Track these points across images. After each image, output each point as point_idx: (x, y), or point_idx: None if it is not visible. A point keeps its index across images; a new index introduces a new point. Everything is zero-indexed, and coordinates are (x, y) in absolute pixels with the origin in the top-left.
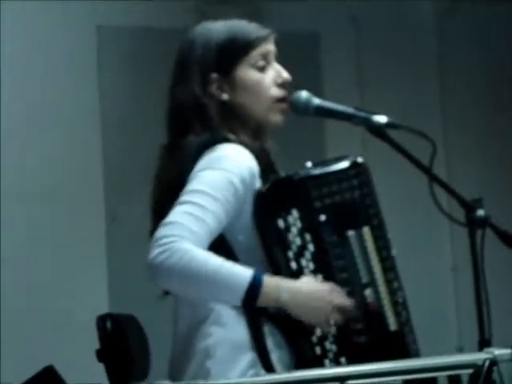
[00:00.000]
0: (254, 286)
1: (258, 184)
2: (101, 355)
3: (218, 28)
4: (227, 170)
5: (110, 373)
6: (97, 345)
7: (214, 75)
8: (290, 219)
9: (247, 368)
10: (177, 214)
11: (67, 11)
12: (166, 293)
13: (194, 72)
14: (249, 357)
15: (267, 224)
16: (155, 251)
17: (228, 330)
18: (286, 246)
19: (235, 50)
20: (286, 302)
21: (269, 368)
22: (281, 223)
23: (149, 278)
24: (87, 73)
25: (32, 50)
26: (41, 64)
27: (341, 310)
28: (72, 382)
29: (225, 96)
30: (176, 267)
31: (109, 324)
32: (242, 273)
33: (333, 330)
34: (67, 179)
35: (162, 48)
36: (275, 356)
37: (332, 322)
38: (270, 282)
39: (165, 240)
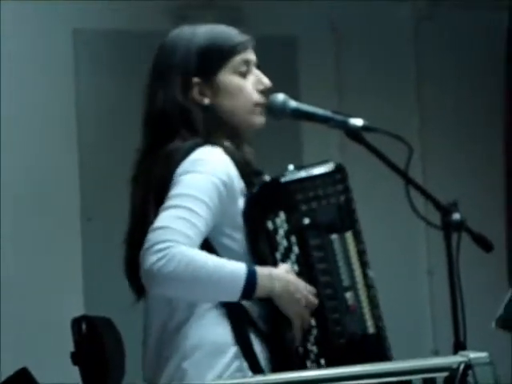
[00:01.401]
0: (250, 280)
1: (236, 186)
2: (76, 358)
3: (199, 32)
4: (209, 173)
5: (85, 376)
6: (71, 347)
7: (196, 79)
8: (278, 221)
9: (224, 370)
10: (166, 218)
11: (43, 14)
12: (138, 297)
13: (174, 76)
14: (227, 358)
15: (257, 225)
16: (152, 258)
17: (206, 332)
18: (275, 247)
19: (217, 55)
20: (279, 292)
21: (253, 364)
22: (270, 225)
23: (147, 286)
24: (63, 76)
25: (7, 53)
26: (16, 67)
27: (308, 306)
28: None
29: (206, 100)
30: (175, 273)
31: (84, 326)
32: (237, 269)
33: (301, 324)
34: (43, 179)
35: (139, 51)
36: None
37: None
38: (263, 272)
39: (160, 246)
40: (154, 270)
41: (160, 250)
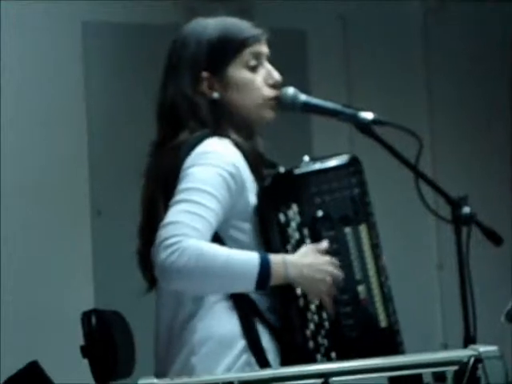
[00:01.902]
0: (264, 269)
1: (245, 178)
2: (85, 351)
3: (211, 26)
4: (216, 165)
5: (95, 369)
6: (81, 341)
7: (205, 74)
8: (291, 213)
9: (232, 364)
10: (176, 213)
11: (52, 7)
12: (151, 287)
13: (184, 70)
14: (235, 352)
15: (270, 218)
16: (163, 254)
17: (213, 326)
18: (286, 239)
19: (227, 49)
20: (294, 277)
21: (261, 358)
22: (282, 217)
23: (161, 282)
24: (73, 69)
25: (17, 47)
26: (26, 60)
27: (335, 281)
28: (56, 377)
29: (215, 95)
30: (187, 266)
31: (94, 320)
32: (251, 259)
33: (330, 303)
34: (53, 174)
35: (148, 44)
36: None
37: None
38: (277, 260)
39: (171, 240)
40: (166, 265)
41: (170, 245)
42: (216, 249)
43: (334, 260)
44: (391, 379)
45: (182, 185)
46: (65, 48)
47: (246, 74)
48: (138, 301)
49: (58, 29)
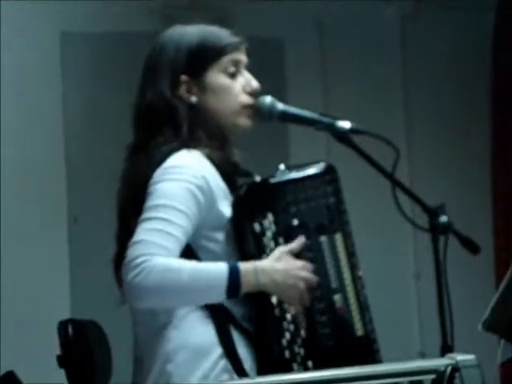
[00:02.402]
0: (234, 277)
1: (215, 188)
2: (62, 361)
3: (190, 32)
4: (183, 179)
5: (72, 379)
6: (58, 350)
7: (184, 77)
8: (266, 223)
9: (209, 371)
10: (144, 231)
11: (30, 17)
12: (126, 299)
13: (163, 73)
14: (212, 359)
15: (244, 227)
16: (131, 273)
17: (188, 334)
18: (261, 249)
19: (206, 55)
20: (265, 284)
21: (237, 365)
22: (257, 227)
23: (131, 301)
24: (50, 78)
25: None
26: (4, 69)
27: (309, 286)
28: None
29: (193, 99)
30: (155, 285)
31: (70, 329)
32: (219, 269)
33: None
34: (30, 181)
35: (126, 53)
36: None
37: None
38: (247, 267)
39: (138, 260)
40: (134, 284)
41: (137, 265)
42: (182, 263)
43: (308, 264)
44: None
45: (150, 201)
46: (43, 58)
47: (224, 80)
48: (114, 310)
49: (36, 38)
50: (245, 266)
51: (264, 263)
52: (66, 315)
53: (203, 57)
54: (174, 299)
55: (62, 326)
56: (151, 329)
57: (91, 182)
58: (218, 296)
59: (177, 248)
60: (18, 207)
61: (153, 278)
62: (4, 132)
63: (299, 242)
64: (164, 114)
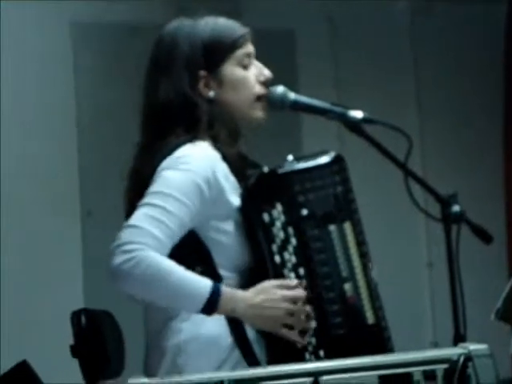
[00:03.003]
0: (213, 298)
1: (223, 181)
2: (75, 351)
3: (203, 25)
4: (190, 170)
5: (85, 368)
6: (71, 340)
7: (202, 72)
8: (275, 213)
9: (221, 362)
10: (140, 216)
11: (40, 8)
12: None
13: (181, 69)
14: (222, 350)
15: (254, 218)
16: (120, 258)
17: (198, 325)
18: (271, 239)
19: (222, 48)
20: (241, 314)
21: (250, 356)
22: (266, 217)
23: (113, 283)
24: (62, 70)
25: (6, 49)
26: (15, 62)
27: (296, 314)
28: (46, 377)
29: (211, 93)
30: (141, 277)
31: (83, 319)
32: (203, 284)
33: (294, 335)
34: (43, 174)
35: (137, 45)
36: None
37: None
38: (228, 294)
39: (129, 247)
40: (120, 270)
41: (128, 251)
42: (172, 267)
43: (295, 293)
44: (381, 377)
45: (153, 187)
46: (53, 49)
47: (240, 72)
48: (126, 301)
49: (46, 30)
50: (226, 292)
51: (245, 294)
52: (79, 305)
53: (219, 50)
54: (153, 296)
55: (76, 315)
56: (162, 321)
57: (104, 175)
58: (193, 309)
59: (169, 239)
60: (31, 202)
61: (142, 270)
62: (16, 126)
63: (292, 282)
64: (184, 112)
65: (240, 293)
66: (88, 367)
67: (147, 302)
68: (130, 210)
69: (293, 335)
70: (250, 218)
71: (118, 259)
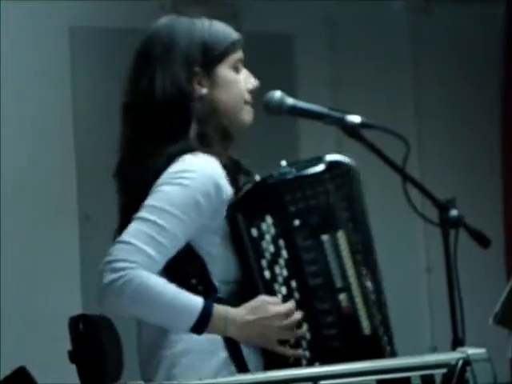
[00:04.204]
0: (204, 318)
1: (225, 196)
2: (73, 356)
3: (201, 25)
4: (190, 185)
5: (83, 374)
6: (69, 346)
7: (198, 69)
8: (264, 226)
9: (214, 375)
10: (134, 232)
11: (39, 12)
12: None
13: (179, 63)
14: (215, 364)
15: (241, 234)
16: (109, 276)
17: (194, 338)
18: (260, 254)
19: (220, 49)
20: (233, 334)
21: (242, 369)
22: (254, 232)
23: (100, 303)
24: (60, 73)
25: (4, 51)
26: (13, 65)
27: (289, 327)
28: (44, 383)
29: (204, 91)
30: (130, 297)
31: (81, 325)
32: (193, 304)
33: (289, 351)
34: (40, 178)
35: (135, 48)
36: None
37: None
38: (219, 313)
39: (120, 265)
40: (109, 289)
41: (118, 270)
42: (162, 286)
43: (287, 308)
44: (380, 382)
45: (149, 201)
46: (52, 53)
47: (233, 75)
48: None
49: (45, 34)
50: (218, 312)
51: (237, 313)
52: (77, 311)
53: (217, 50)
54: (142, 316)
55: (73, 321)
56: (156, 332)
57: (102, 178)
58: (182, 329)
59: (163, 258)
60: (28, 205)
61: (129, 291)
62: (13, 128)
63: (286, 305)
64: (178, 106)
65: (232, 312)
66: (86, 373)
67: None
68: (123, 218)
69: (288, 351)
70: (237, 234)
71: (107, 278)
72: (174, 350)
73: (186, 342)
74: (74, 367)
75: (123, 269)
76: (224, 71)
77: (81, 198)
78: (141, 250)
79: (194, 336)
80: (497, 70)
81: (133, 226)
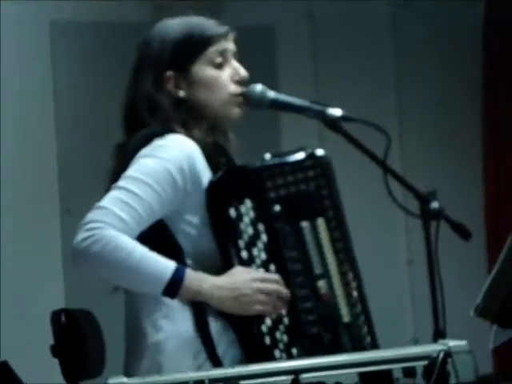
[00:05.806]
0: (176, 279)
1: (202, 176)
2: (55, 350)
3: (175, 25)
4: (166, 159)
5: (65, 368)
6: (51, 340)
7: (170, 72)
8: (243, 208)
9: (202, 361)
10: (109, 199)
11: (20, 6)
12: (117, 287)
13: (147, 69)
14: (202, 349)
15: (218, 212)
16: (81, 235)
17: (177, 324)
18: (237, 235)
19: (191, 47)
20: (208, 297)
21: (215, 360)
22: (232, 212)
23: (71, 262)
24: (41, 67)
25: None
26: None
27: (265, 290)
28: (26, 377)
29: (181, 93)
30: (99, 254)
31: (63, 319)
32: (165, 264)
33: (274, 314)
34: (21, 173)
35: (116, 42)
36: (222, 350)
37: (265, 307)
38: (192, 277)
39: (92, 225)
40: (80, 247)
41: (90, 229)
42: (133, 245)
43: (266, 275)
44: (361, 375)
45: (128, 171)
46: (33, 47)
47: (211, 72)
48: (108, 299)
49: (26, 27)
50: (190, 273)
51: (210, 277)
52: (59, 305)
53: (188, 50)
54: (111, 275)
55: (56, 315)
56: (141, 318)
57: (83, 173)
58: (154, 290)
59: (136, 223)
60: (10, 199)
61: (100, 248)
62: None
63: (261, 272)
64: (147, 111)
65: (205, 276)
66: (68, 367)
67: (113, 283)
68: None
69: (267, 311)
70: (214, 212)
71: (78, 237)
72: (159, 336)
73: (171, 328)
74: (56, 361)
75: (94, 228)
76: (200, 69)
77: (62, 193)
78: (114, 214)
79: (179, 322)
80: (478, 63)
81: (109, 194)
